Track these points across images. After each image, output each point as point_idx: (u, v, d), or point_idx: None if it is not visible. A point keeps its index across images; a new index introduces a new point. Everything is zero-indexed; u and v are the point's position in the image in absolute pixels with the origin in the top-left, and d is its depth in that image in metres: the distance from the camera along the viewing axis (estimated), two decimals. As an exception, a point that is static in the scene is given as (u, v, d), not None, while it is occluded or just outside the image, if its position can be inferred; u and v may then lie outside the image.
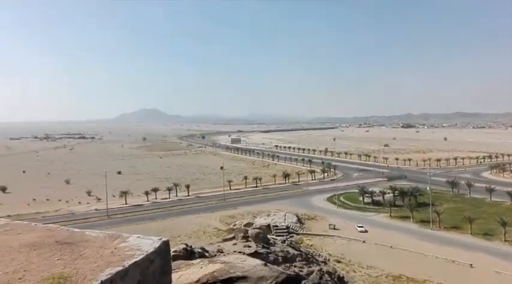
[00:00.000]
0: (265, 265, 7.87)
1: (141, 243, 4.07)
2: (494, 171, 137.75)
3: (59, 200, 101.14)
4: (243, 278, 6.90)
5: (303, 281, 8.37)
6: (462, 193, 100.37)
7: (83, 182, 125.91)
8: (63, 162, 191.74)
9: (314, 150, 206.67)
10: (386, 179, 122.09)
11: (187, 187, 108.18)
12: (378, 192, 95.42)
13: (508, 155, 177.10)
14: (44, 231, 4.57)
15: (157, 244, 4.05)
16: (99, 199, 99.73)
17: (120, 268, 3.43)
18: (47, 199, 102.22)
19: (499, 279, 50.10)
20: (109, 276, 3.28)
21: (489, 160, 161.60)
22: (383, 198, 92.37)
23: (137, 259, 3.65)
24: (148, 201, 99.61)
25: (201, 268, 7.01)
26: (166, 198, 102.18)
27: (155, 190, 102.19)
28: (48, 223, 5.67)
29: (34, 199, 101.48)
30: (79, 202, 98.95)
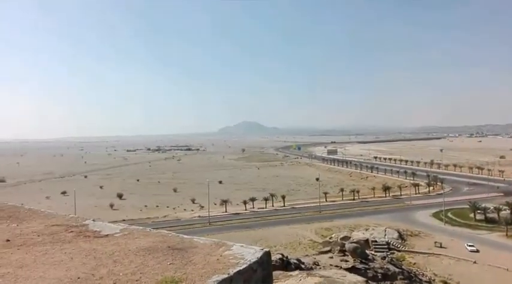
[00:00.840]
0: (367, 282, 7.54)
1: (244, 252, 4.20)
2: None
3: (167, 207, 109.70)
4: (344, 294, 6.72)
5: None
6: None
7: (188, 190, 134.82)
8: (172, 171, 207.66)
9: (418, 162, 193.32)
10: (502, 194, 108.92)
11: (283, 197, 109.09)
12: (492, 208, 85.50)
13: None
14: (157, 236, 4.98)
15: (259, 254, 4.14)
16: (202, 207, 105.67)
17: (225, 276, 3.58)
18: (157, 206, 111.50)
19: None
20: (215, 283, 3.45)
21: None
22: (498, 215, 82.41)
23: (241, 268, 3.77)
24: (246, 209, 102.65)
25: (300, 280, 6.98)
26: (263, 208, 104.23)
27: (253, 199, 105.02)
28: (158, 228, 6.19)
29: (145, 206, 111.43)
30: (184, 209, 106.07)
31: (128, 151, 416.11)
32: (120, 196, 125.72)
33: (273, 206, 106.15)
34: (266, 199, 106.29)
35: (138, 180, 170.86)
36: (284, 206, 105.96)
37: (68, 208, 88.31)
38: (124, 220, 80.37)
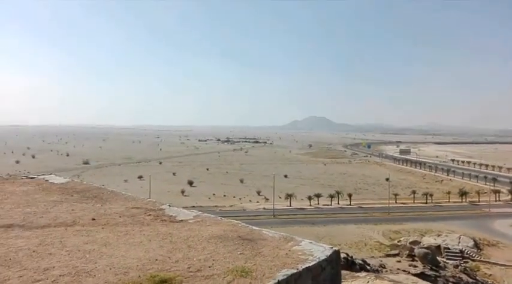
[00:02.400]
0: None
1: (313, 249, 4.19)
2: None
3: (234, 196, 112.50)
4: (414, 302, 6.37)
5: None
6: None
7: (254, 182, 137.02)
8: (239, 163, 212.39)
9: (500, 167, 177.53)
10: None
11: (350, 195, 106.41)
12: None
13: None
14: (228, 225, 5.15)
15: (329, 252, 4.10)
16: (267, 199, 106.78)
17: (294, 271, 3.60)
18: (224, 195, 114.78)
19: None
20: (285, 277, 3.48)
21: None
22: None
23: (310, 264, 3.77)
24: (310, 205, 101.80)
25: (368, 282, 6.78)
26: (328, 205, 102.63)
27: (318, 195, 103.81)
28: (224, 216, 6.38)
29: (214, 194, 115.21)
30: (250, 200, 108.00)
31: (199, 141, 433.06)
32: (190, 183, 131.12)
33: (338, 204, 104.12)
34: (332, 196, 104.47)
35: (207, 169, 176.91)
36: (350, 204, 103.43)
37: (143, 192, 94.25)
38: (194, 206, 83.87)
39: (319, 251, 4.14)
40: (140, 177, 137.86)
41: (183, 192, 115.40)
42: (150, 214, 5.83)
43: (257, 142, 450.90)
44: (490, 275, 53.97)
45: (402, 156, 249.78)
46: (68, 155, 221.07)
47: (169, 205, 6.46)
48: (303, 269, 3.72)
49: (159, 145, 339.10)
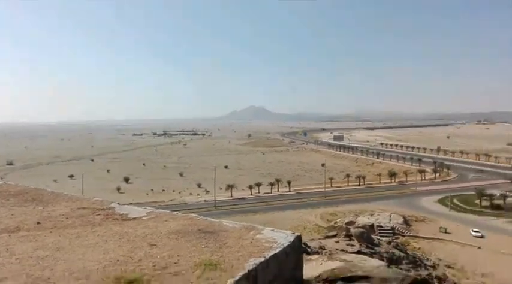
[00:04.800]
0: (389, 266, 7.58)
1: (275, 236, 4.23)
2: None
3: (173, 191, 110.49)
4: (365, 278, 6.74)
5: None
6: None
7: (194, 175, 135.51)
8: (178, 156, 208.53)
9: (425, 149, 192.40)
10: (509, 181, 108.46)
11: (289, 183, 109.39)
12: (498, 194, 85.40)
13: None
14: (186, 220, 5.02)
15: (291, 238, 4.16)
16: (207, 191, 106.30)
17: (262, 259, 3.60)
18: (163, 190, 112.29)
19: None
20: (253, 266, 3.47)
21: None
22: (504, 201, 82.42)
23: (276, 252, 3.80)
24: (251, 194, 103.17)
25: (321, 264, 7.03)
26: (268, 193, 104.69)
27: (258, 184, 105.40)
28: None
29: (152, 190, 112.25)
30: (190, 193, 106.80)
31: (134, 135, 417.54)
32: (126, 179, 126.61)
33: (278, 191, 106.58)
34: (272, 184, 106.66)
35: (144, 164, 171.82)
36: (289, 191, 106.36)
37: (75, 192, 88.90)
38: (131, 203, 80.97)
39: (282, 238, 4.18)
40: (71, 176, 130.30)
41: (118, 189, 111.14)
42: (99, 214, 5.51)
43: (195, 134, 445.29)
44: (419, 248, 58.58)
45: (336, 142, 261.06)
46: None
47: (119, 203, 6.16)
48: (270, 257, 3.73)
49: (90, 142, 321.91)
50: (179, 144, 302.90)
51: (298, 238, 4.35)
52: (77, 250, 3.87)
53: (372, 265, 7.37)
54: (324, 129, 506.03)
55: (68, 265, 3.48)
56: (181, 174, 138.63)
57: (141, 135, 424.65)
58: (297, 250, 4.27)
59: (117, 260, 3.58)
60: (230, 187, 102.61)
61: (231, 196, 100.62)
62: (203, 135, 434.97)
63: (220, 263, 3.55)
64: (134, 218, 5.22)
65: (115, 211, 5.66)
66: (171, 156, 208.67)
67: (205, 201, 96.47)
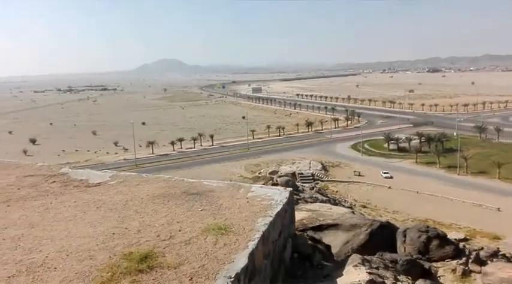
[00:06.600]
0: (353, 213, 7.96)
1: (269, 193, 4.05)
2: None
3: (88, 151, 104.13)
4: (334, 225, 6.99)
5: (399, 230, 8.35)
6: (490, 138, 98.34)
7: (109, 133, 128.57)
8: (88, 113, 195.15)
9: (337, 98, 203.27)
10: (412, 125, 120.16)
11: (211, 137, 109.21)
12: (403, 138, 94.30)
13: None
14: (161, 182, 4.59)
15: (287, 194, 4.02)
16: (126, 149, 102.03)
17: (270, 218, 3.42)
18: (76, 150, 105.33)
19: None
20: (266, 226, 3.27)
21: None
22: (409, 144, 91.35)
23: (278, 209, 3.63)
24: (174, 150, 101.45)
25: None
26: (191, 148, 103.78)
27: (180, 140, 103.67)
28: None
29: (63, 150, 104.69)
30: (107, 153, 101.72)
31: (35, 92, 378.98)
32: (33, 141, 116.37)
33: (201, 145, 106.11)
34: (194, 139, 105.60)
35: (51, 124, 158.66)
36: (213, 145, 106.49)
37: (-26, 157, 79.79)
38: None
39: (277, 194, 4.03)
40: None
41: (25, 151, 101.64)
42: (53, 181, 4.83)
43: (105, 89, 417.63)
44: (337, 191, 63.53)
45: (255, 94, 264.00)
46: None
47: (71, 168, 5.46)
48: (275, 215, 3.56)
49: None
50: (88, 100, 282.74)
51: (291, 193, 4.23)
52: (55, 225, 3.29)
53: (337, 212, 7.67)
54: (239, 81, 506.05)
55: (57, 244, 2.93)
56: (94, 133, 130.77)
57: (44, 92, 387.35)
58: (292, 205, 4.16)
59: (113, 234, 3.12)
60: (151, 143, 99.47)
61: (153, 153, 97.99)
62: (114, 90, 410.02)
63: (229, 226, 3.28)
64: (99, 184, 4.65)
65: (71, 177, 5.01)
66: (80, 114, 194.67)
67: (124, 159, 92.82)
